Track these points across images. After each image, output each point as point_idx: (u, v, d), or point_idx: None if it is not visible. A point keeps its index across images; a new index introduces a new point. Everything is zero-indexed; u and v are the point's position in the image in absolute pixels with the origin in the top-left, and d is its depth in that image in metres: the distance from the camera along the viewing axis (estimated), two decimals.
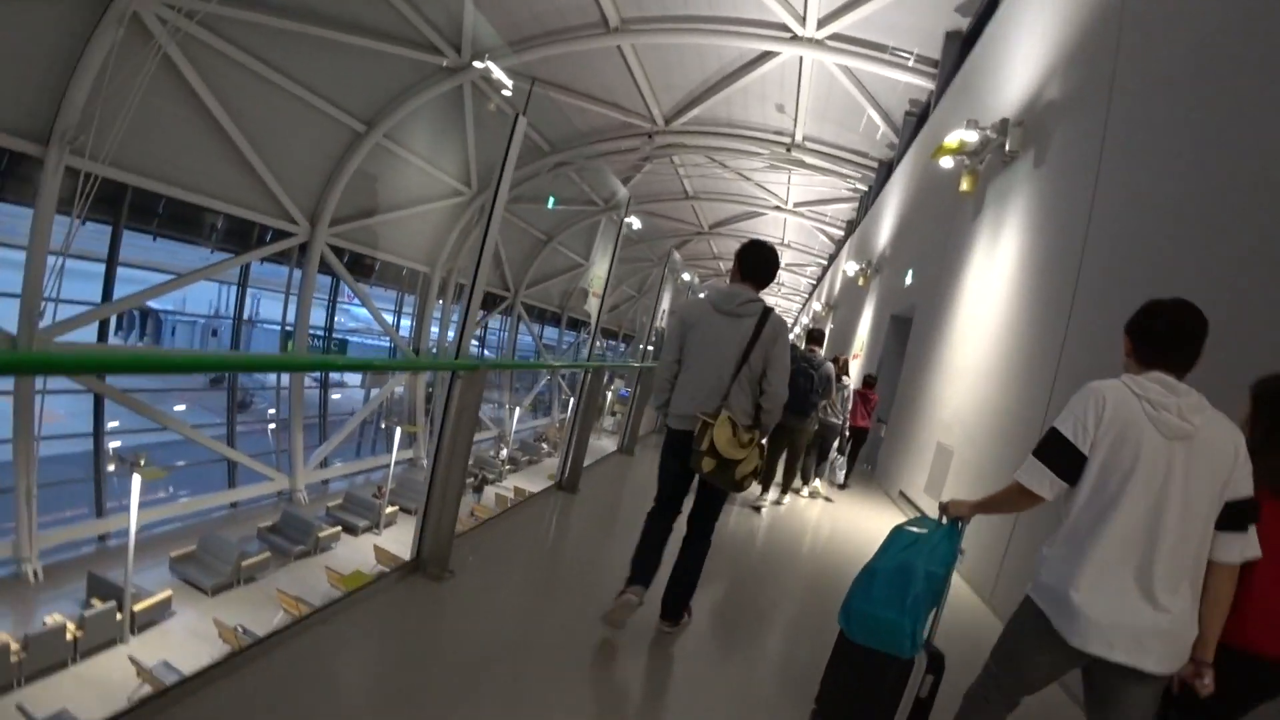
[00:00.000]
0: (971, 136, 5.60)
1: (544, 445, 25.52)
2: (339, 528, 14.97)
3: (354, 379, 21.36)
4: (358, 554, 14.33)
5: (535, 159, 19.70)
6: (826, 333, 17.42)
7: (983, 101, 6.52)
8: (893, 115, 14.08)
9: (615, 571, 2.95)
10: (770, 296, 30.16)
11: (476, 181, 19.84)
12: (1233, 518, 1.69)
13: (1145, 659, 1.67)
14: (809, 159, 17.20)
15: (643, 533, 2.91)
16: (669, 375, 2.88)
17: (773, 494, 6.01)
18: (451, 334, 23.52)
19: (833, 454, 7.24)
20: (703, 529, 2.91)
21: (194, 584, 12.07)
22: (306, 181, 15.66)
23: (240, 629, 10.49)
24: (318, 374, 18.89)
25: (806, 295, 33.00)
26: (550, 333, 32.31)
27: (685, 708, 2.62)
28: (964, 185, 5.97)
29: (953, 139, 5.70)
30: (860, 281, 11.40)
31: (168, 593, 11.14)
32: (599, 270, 23.85)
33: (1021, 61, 5.76)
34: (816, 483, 6.84)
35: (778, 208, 22.92)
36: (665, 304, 18.27)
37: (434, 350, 21.90)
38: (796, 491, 6.52)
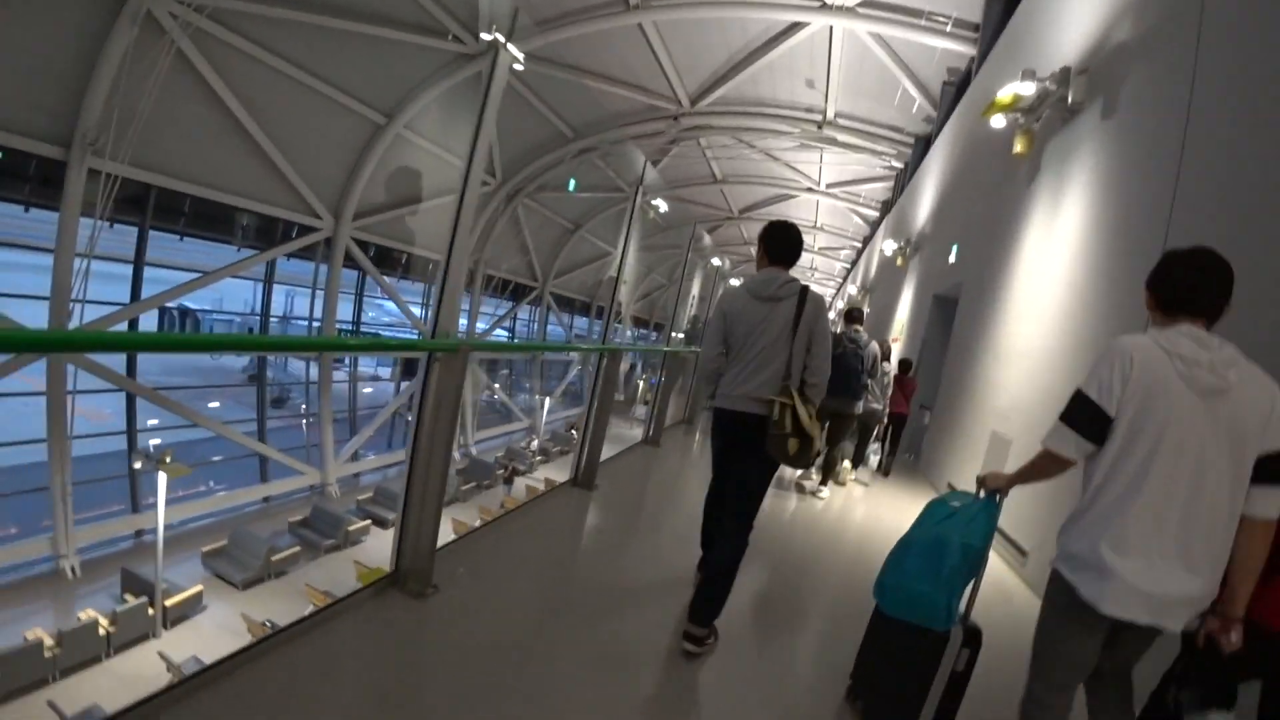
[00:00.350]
0: (1027, 89, 5.02)
1: (575, 434, 25.30)
2: (368, 521, 14.93)
3: (386, 371, 21.37)
4: (387, 547, 14.22)
5: (559, 146, 19.35)
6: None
7: (1038, 53, 5.90)
8: (929, 87, 13.35)
9: (630, 587, 2.81)
10: (805, 282, 29.86)
11: (501, 171, 19.58)
12: (1269, 470, 1.61)
13: (1170, 621, 1.65)
14: (841, 136, 16.50)
15: (705, 515, 3.19)
16: (715, 368, 2.90)
17: (814, 481, 5.85)
18: (482, 324, 23.39)
19: (872, 441, 7.00)
20: (743, 518, 2.80)
21: (225, 578, 12.10)
22: (328, 175, 15.56)
23: (269, 624, 10.42)
24: (346, 366, 18.87)
25: (840, 279, 32.14)
26: (581, 322, 32.08)
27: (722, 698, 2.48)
28: (1018, 147, 5.40)
29: (1006, 93, 5.12)
30: (898, 261, 10.79)
31: (199, 588, 11.15)
32: (611, 251, 23.29)
33: (1081, 3, 5.17)
34: (856, 468, 6.63)
35: (810, 189, 22.20)
36: (695, 289, 17.88)
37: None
38: (838, 479, 6.22)
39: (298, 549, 12.96)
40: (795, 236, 2.90)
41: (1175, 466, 1.60)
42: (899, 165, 16.89)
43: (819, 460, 5.41)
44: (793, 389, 2.70)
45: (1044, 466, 1.83)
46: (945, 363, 7.33)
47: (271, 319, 17.83)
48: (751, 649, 2.88)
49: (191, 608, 11.00)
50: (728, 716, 2.38)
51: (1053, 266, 4.82)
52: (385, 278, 18.69)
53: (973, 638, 2.11)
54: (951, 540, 2.05)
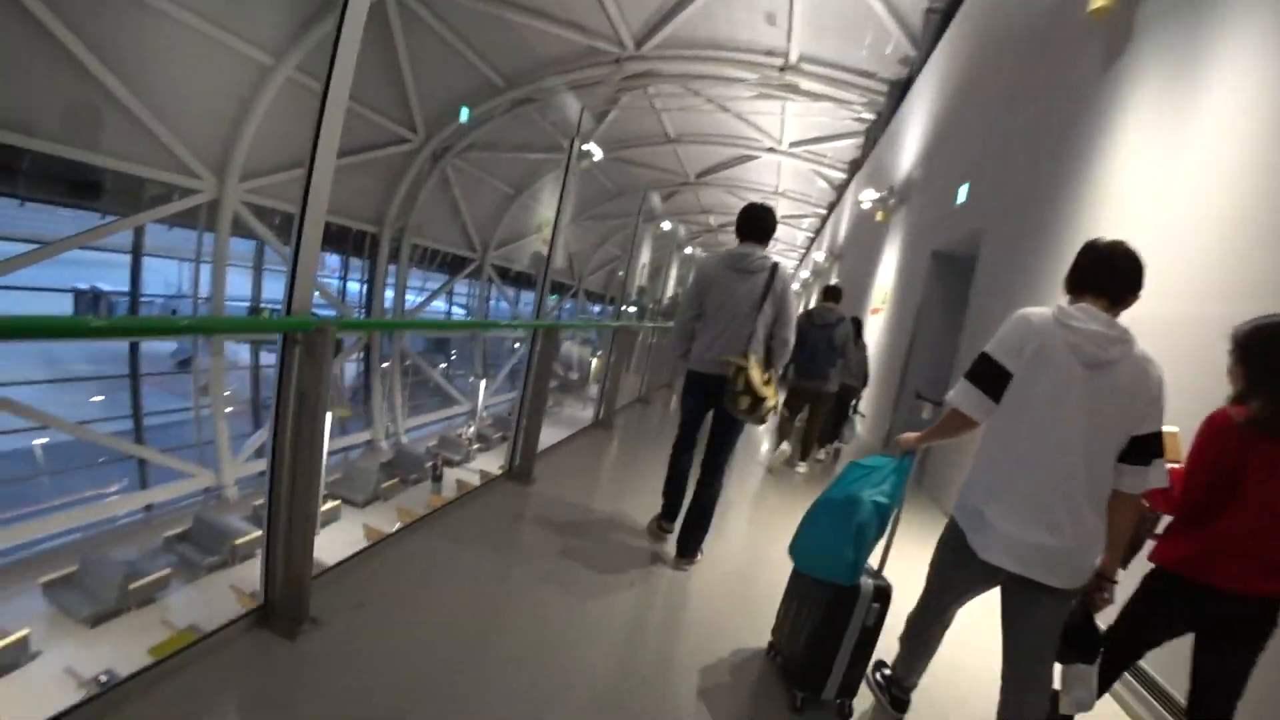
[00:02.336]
0: None
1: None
2: (261, 531, 12.81)
3: None
4: None
5: (490, 96, 17.06)
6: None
7: None
8: (908, 19, 11.52)
9: (564, 617, 2.62)
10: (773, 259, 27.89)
11: (423, 126, 17.23)
12: (1136, 451, 1.74)
13: (1050, 575, 1.77)
14: (806, 83, 14.60)
15: (669, 466, 3.43)
16: (688, 328, 3.26)
17: (790, 457, 5.82)
18: (414, 298, 21.15)
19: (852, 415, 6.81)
20: (715, 467, 3.25)
21: (70, 613, 9.96)
22: (206, 128, 13.11)
23: (103, 677, 8.39)
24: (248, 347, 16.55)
25: (804, 249, 30.52)
26: (529, 297, 29.91)
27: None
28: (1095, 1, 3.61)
29: None
30: (879, 216, 9.01)
31: (24, 631, 9.01)
32: (549, 214, 21.28)
33: None
34: (835, 445, 6.65)
35: (771, 149, 20.30)
36: (645, 256, 15.98)
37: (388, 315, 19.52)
38: (818, 459, 6.28)
39: (167, 572, 10.83)
40: (767, 217, 3.28)
41: (1050, 427, 1.75)
42: (870, 116, 15.09)
43: (793, 438, 5.80)
44: (749, 353, 3.04)
45: (953, 425, 1.93)
46: (960, 343, 5.40)
47: (159, 298, 15.45)
48: (700, 617, 2.92)
49: (16, 656, 8.87)
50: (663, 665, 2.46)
51: (1181, 188, 3.01)
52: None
53: (882, 594, 2.21)
54: (862, 498, 2.14)
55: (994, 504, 1.81)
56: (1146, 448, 1.74)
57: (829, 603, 2.22)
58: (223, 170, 13.68)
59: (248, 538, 12.25)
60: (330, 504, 13.71)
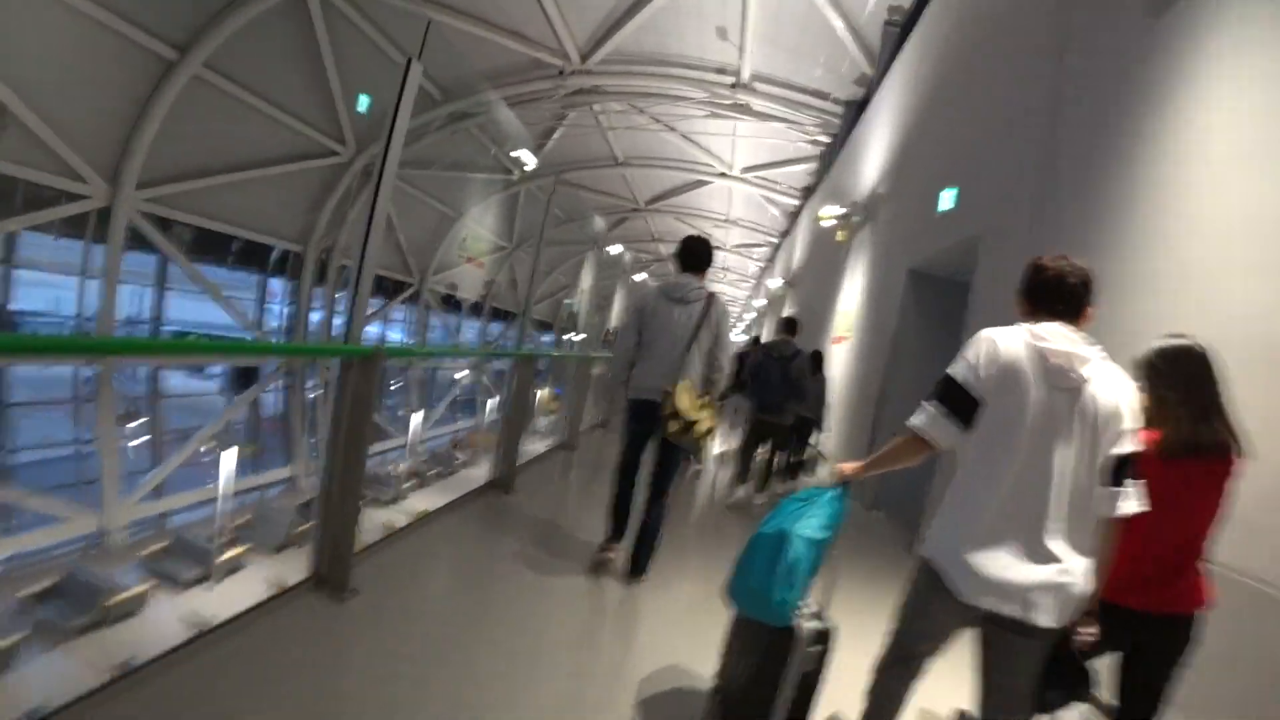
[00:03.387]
0: None
1: (458, 455, 21.78)
2: (148, 585, 11.05)
3: (202, 383, 17.29)
4: (170, 624, 10.52)
5: (424, 109, 15.99)
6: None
7: None
8: (865, 34, 11.04)
9: None
10: (717, 284, 26.68)
11: (353, 139, 16.02)
12: (1114, 472, 1.66)
13: (1036, 614, 1.64)
14: (758, 103, 14.06)
15: (612, 491, 3.47)
16: (628, 356, 3.34)
17: (747, 491, 5.82)
18: (339, 323, 19.59)
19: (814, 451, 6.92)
20: (660, 488, 3.32)
21: None
22: (97, 128, 11.67)
23: None
24: (146, 372, 14.84)
25: (757, 278, 30.11)
26: (472, 325, 28.57)
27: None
28: None
29: None
30: (839, 235, 8.23)
31: None
32: (477, 229, 20.07)
33: None
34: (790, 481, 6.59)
35: (723, 174, 19.79)
36: (587, 282, 15.04)
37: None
38: (777, 492, 5.96)
39: (19, 637, 9.07)
40: (704, 250, 3.39)
41: (1030, 455, 1.63)
42: (824, 139, 14.61)
43: (738, 475, 5.82)
44: (686, 379, 3.15)
45: (905, 451, 1.82)
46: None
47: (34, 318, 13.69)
48: (651, 642, 2.96)
49: None
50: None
51: None
52: (200, 265, 14.78)
53: (822, 636, 2.10)
54: (791, 534, 2.01)
55: (978, 542, 1.68)
56: (1125, 468, 1.66)
57: (765, 646, 2.11)
58: (116, 175, 12.20)
59: (129, 594, 10.53)
60: (231, 552, 12.06)
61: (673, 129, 17.25)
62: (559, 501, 4.87)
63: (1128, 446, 1.65)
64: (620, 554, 3.42)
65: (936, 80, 6.22)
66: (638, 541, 3.37)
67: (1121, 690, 1.95)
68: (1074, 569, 1.65)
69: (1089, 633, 1.76)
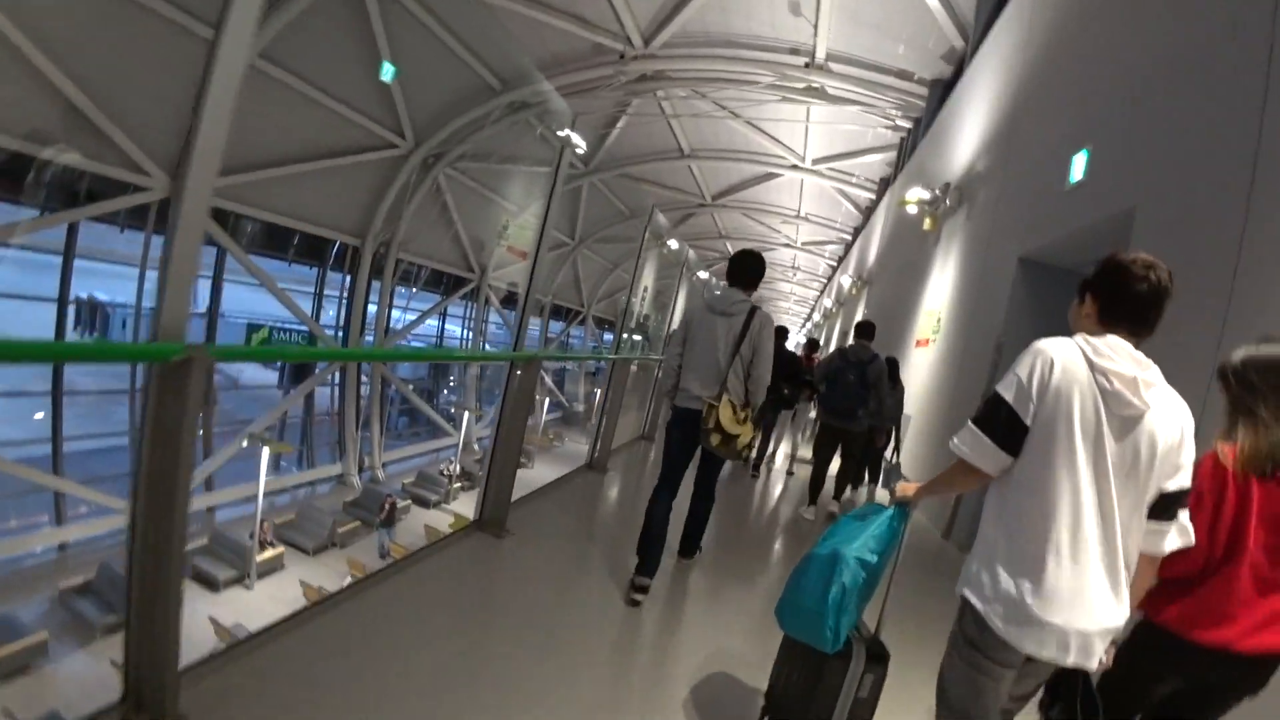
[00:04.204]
0: None
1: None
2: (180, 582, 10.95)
3: (264, 375, 17.36)
4: (206, 633, 10.26)
5: (484, 99, 15.55)
6: (859, 316, 13.15)
7: None
8: (957, 4, 9.78)
9: None
10: (785, 283, 25.22)
11: (412, 132, 15.72)
12: (1165, 506, 1.54)
13: (1090, 659, 1.54)
14: (834, 85, 12.88)
15: (646, 515, 3.31)
16: (676, 365, 3.38)
17: (820, 502, 5.60)
18: (402, 317, 19.50)
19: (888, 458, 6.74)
20: (706, 489, 3.50)
21: None
22: (155, 117, 11.64)
23: None
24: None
25: (826, 278, 28.63)
26: (535, 322, 28.26)
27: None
28: None
29: None
30: (926, 224, 7.08)
31: None
32: (524, 217, 19.29)
33: None
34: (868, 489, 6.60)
35: (794, 166, 18.58)
36: (649, 280, 14.24)
37: (370, 341, 17.83)
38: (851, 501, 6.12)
39: (43, 637, 8.97)
40: (755, 265, 3.37)
41: (1082, 489, 1.49)
42: (905, 124, 13.30)
43: (811, 487, 5.67)
44: (725, 393, 3.17)
45: (958, 478, 1.69)
46: None
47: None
48: (704, 653, 2.84)
49: None
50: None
51: None
52: (257, 258, 14.76)
53: (876, 661, 2.01)
54: (845, 555, 1.91)
55: (1040, 587, 1.50)
56: (1175, 503, 1.54)
57: (814, 670, 2.02)
58: (179, 166, 12.16)
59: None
60: (271, 552, 11.85)
61: (740, 116, 16.19)
62: (565, 556, 4.20)
63: (1183, 481, 1.54)
64: (647, 588, 3.26)
65: (1060, 28, 5.04)
66: (687, 529, 3.62)
67: None
68: (1124, 610, 1.55)
69: (1104, 661, 1.59)
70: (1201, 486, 1.65)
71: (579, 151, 9.01)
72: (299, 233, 16.22)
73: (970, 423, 1.60)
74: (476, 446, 21.91)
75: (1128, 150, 3.49)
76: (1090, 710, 1.74)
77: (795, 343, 18.57)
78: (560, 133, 4.53)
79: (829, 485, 5.74)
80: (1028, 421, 1.52)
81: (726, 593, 3.63)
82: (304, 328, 16.21)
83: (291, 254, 16.96)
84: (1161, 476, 1.51)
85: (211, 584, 11.44)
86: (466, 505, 15.91)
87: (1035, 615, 1.51)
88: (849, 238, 22.41)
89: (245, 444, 12.55)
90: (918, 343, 7.10)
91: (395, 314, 19.02)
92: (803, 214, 23.23)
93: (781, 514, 5.94)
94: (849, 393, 5.29)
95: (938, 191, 6.75)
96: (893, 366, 6.02)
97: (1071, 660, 1.52)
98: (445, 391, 24.46)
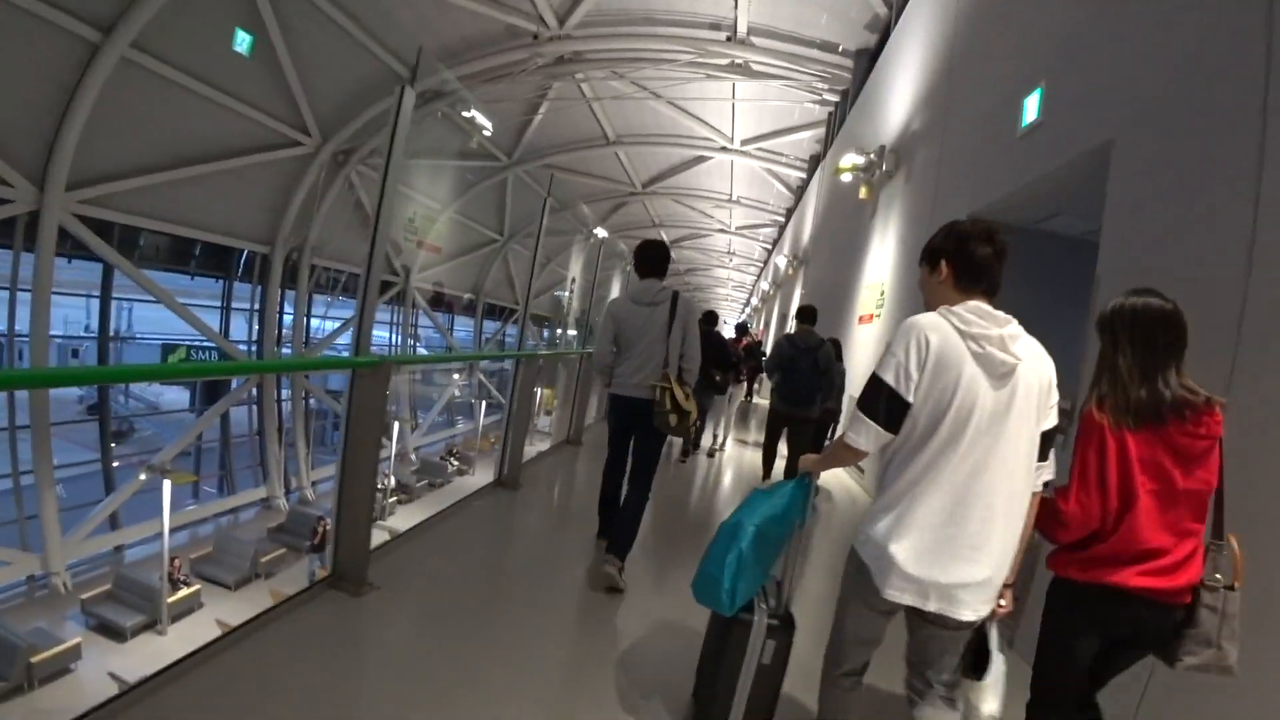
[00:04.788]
0: None
1: (452, 462, 20.48)
2: (72, 643, 9.54)
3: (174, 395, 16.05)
4: (99, 690, 9.17)
5: (390, 91, 14.56)
6: (797, 297, 12.89)
7: None
8: None
9: None
10: (721, 270, 24.87)
11: (316, 127, 14.64)
12: (1040, 449, 1.65)
13: (960, 610, 1.63)
14: (758, 60, 12.54)
15: (601, 487, 3.77)
16: (607, 360, 3.55)
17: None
18: (321, 326, 18.32)
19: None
20: (644, 478, 3.49)
21: None
22: (19, 122, 10.37)
23: None
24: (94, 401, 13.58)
25: (762, 262, 28.61)
26: (464, 324, 27.25)
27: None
28: None
29: None
30: (862, 192, 6.72)
31: None
32: (433, 208, 18.20)
33: None
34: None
35: (724, 148, 18.27)
36: (576, 270, 13.77)
37: (287, 351, 16.66)
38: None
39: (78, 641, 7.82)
40: (660, 254, 3.57)
41: (967, 450, 1.58)
42: (832, 98, 13.08)
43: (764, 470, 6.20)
44: (670, 375, 3.36)
45: (845, 454, 1.80)
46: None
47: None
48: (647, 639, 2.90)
49: None
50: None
51: None
52: (156, 273, 13.50)
53: (777, 630, 2.04)
54: (744, 524, 1.99)
55: (904, 541, 1.63)
56: (1047, 442, 1.67)
57: (718, 637, 2.10)
58: (42, 176, 10.89)
59: (49, 654, 9.19)
60: (185, 591, 10.80)
61: (662, 97, 15.70)
62: (563, 498, 4.95)
63: (1052, 420, 1.65)
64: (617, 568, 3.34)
65: None
66: (616, 527, 3.45)
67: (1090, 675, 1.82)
68: (1001, 562, 1.63)
69: (1002, 605, 1.71)
70: (1085, 446, 1.70)
71: (487, 134, 8.36)
72: (200, 243, 14.97)
73: (854, 405, 1.69)
74: (414, 457, 20.93)
75: (1093, 78, 3.08)
76: (981, 660, 1.78)
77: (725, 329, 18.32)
78: (466, 114, 4.17)
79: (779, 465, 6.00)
80: (909, 399, 1.60)
81: (671, 577, 3.56)
82: (208, 344, 14.97)
83: (194, 266, 15.67)
84: (1037, 421, 1.62)
85: (117, 634, 10.34)
86: (405, 519, 15.02)
87: (898, 563, 1.62)
88: (782, 219, 22.33)
89: (144, 477, 11.40)
90: (861, 319, 6.77)
91: (315, 323, 17.86)
92: (735, 197, 23.02)
93: (722, 493, 6.10)
94: (804, 380, 5.35)
95: (873, 156, 6.39)
96: (837, 349, 6.07)
97: (934, 608, 1.62)
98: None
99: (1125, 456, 1.65)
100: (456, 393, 25.43)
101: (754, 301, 28.07)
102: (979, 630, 1.77)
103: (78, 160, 11.04)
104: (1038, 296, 3.00)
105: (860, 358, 6.55)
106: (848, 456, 1.79)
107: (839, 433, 1.78)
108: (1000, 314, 1.61)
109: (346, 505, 2.86)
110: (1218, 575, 1.66)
